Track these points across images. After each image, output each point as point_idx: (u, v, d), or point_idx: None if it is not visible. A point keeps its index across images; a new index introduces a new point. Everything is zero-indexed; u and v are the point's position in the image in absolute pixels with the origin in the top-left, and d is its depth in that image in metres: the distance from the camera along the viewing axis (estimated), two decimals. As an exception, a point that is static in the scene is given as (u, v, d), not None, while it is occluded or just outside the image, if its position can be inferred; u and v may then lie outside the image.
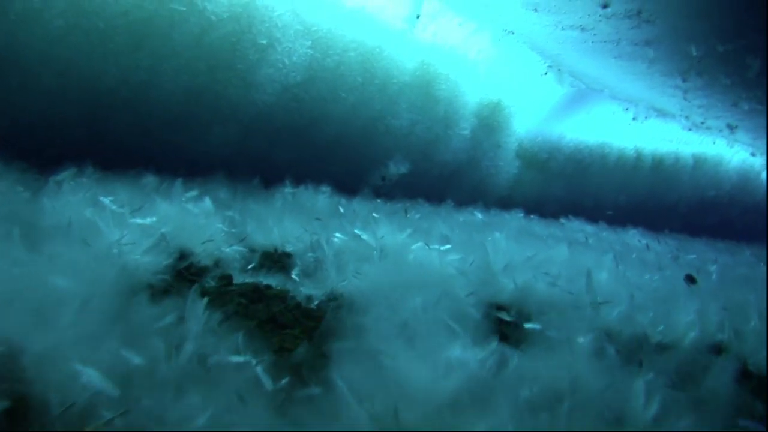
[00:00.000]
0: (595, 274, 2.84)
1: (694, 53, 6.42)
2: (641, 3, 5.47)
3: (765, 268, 6.00)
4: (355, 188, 5.98)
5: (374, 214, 4.53)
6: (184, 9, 4.44)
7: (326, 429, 1.26)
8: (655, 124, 9.89)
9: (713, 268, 5.26)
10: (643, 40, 6.35)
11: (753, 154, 11.64)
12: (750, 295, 3.32)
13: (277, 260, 3.15)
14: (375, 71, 5.83)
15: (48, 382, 1.26)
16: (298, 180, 5.29)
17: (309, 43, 5.24)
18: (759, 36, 5.64)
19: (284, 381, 1.38)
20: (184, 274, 2.59)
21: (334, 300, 2.41)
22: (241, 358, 1.40)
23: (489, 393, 1.36)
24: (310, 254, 2.93)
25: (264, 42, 4.93)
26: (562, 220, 8.20)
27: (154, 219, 2.87)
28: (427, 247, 3.16)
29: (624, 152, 9.48)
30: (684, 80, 7.47)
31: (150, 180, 4.07)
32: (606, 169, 9.24)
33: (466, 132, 7.03)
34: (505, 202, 7.90)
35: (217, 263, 2.81)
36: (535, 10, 6.04)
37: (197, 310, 1.58)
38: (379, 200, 5.99)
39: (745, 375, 2.42)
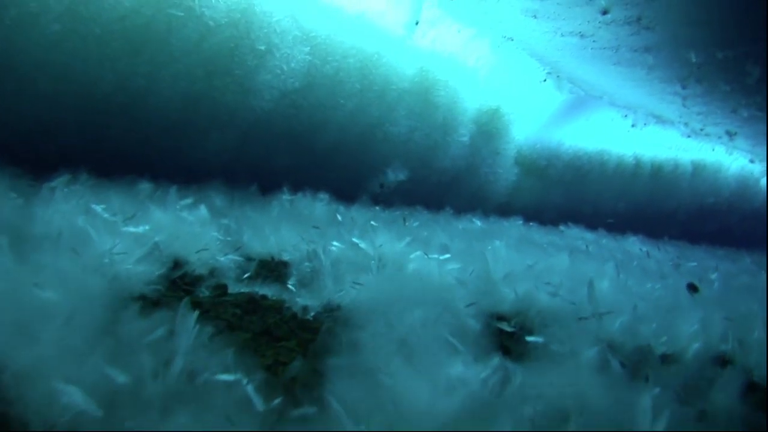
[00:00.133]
0: (596, 284, 2.80)
1: (694, 60, 6.42)
2: (641, 10, 5.46)
3: (765, 276, 5.95)
4: (354, 195, 5.93)
5: (372, 223, 4.49)
6: (182, 14, 4.41)
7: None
8: (654, 131, 9.88)
9: (714, 276, 5.21)
10: (643, 46, 6.34)
11: (752, 161, 11.64)
12: (753, 304, 3.28)
13: (273, 269, 3.10)
14: (374, 78, 5.80)
15: (28, 402, 1.21)
16: (296, 187, 5.25)
17: (307, 49, 5.21)
18: (758, 43, 5.64)
19: (277, 401, 1.32)
20: (177, 284, 2.54)
21: (330, 311, 2.36)
22: (231, 376, 1.34)
23: (491, 412, 1.31)
24: (307, 263, 2.88)
25: (262, 48, 4.90)
26: (562, 228, 8.16)
27: (148, 227, 2.81)
28: (426, 256, 3.12)
29: (623, 159, 9.45)
30: (683, 87, 7.46)
31: (144, 187, 4.02)
32: (605, 176, 9.20)
33: (465, 139, 6.99)
34: (503, 209, 7.86)
35: (211, 272, 2.75)
36: (535, 16, 6.03)
37: (188, 323, 1.52)
38: (377, 207, 5.94)
39: (750, 387, 2.37)
